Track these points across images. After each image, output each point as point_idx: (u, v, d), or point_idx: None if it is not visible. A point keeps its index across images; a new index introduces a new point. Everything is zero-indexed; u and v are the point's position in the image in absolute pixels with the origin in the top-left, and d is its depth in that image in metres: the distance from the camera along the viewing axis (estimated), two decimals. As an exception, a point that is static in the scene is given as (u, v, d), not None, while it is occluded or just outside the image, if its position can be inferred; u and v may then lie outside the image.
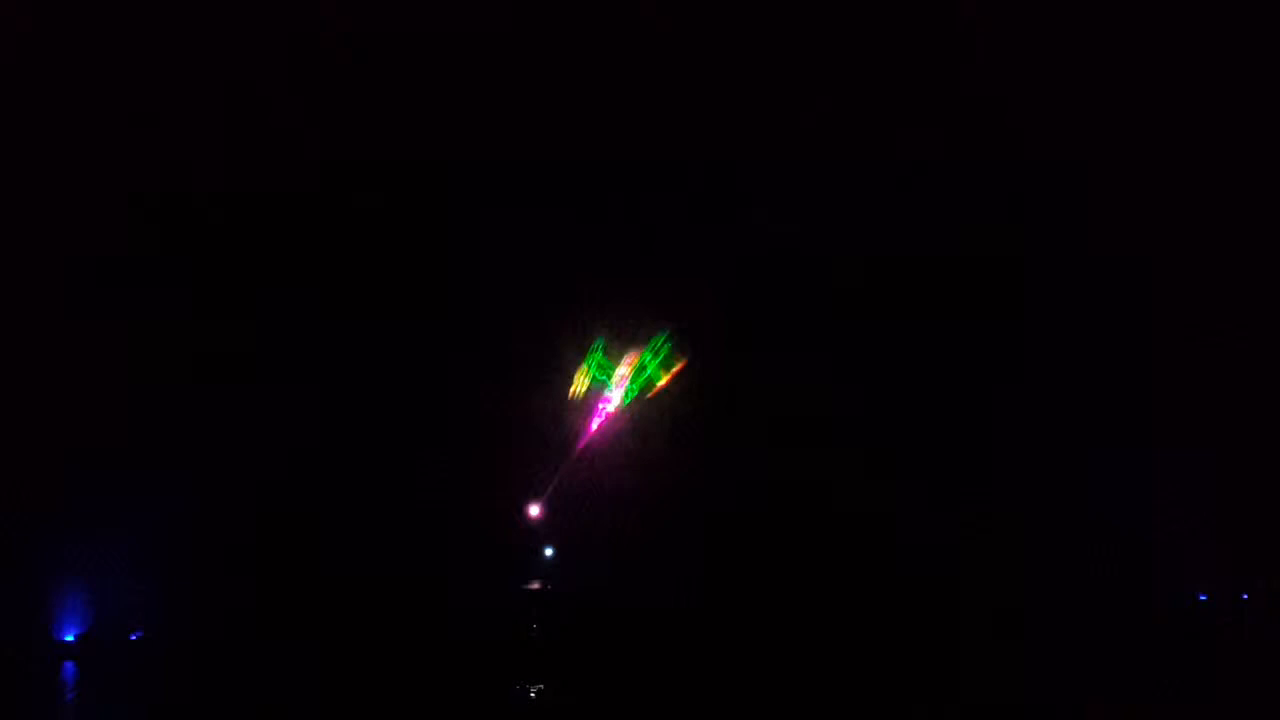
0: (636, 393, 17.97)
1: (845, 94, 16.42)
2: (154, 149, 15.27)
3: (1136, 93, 16.01)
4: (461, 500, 16.82)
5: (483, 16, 15.58)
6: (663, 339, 17.95)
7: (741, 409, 17.50)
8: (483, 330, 17.09)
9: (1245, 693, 12.78)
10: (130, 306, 15.55)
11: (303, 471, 16.18)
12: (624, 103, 16.32)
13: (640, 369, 17.90)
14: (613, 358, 17.95)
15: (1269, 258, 16.40)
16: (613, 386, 17.95)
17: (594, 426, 17.87)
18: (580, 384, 17.91)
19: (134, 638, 15.58)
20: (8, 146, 14.61)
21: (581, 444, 17.77)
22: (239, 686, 14.14)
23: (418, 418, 16.84)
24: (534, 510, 17.62)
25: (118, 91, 14.93)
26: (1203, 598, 17.21)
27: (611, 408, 17.96)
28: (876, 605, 16.38)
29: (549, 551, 17.63)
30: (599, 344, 17.90)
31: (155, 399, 15.71)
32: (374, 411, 16.65)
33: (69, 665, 15.11)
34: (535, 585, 17.44)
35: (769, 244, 17.14)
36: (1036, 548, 16.91)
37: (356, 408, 16.53)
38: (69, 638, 15.35)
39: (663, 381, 17.94)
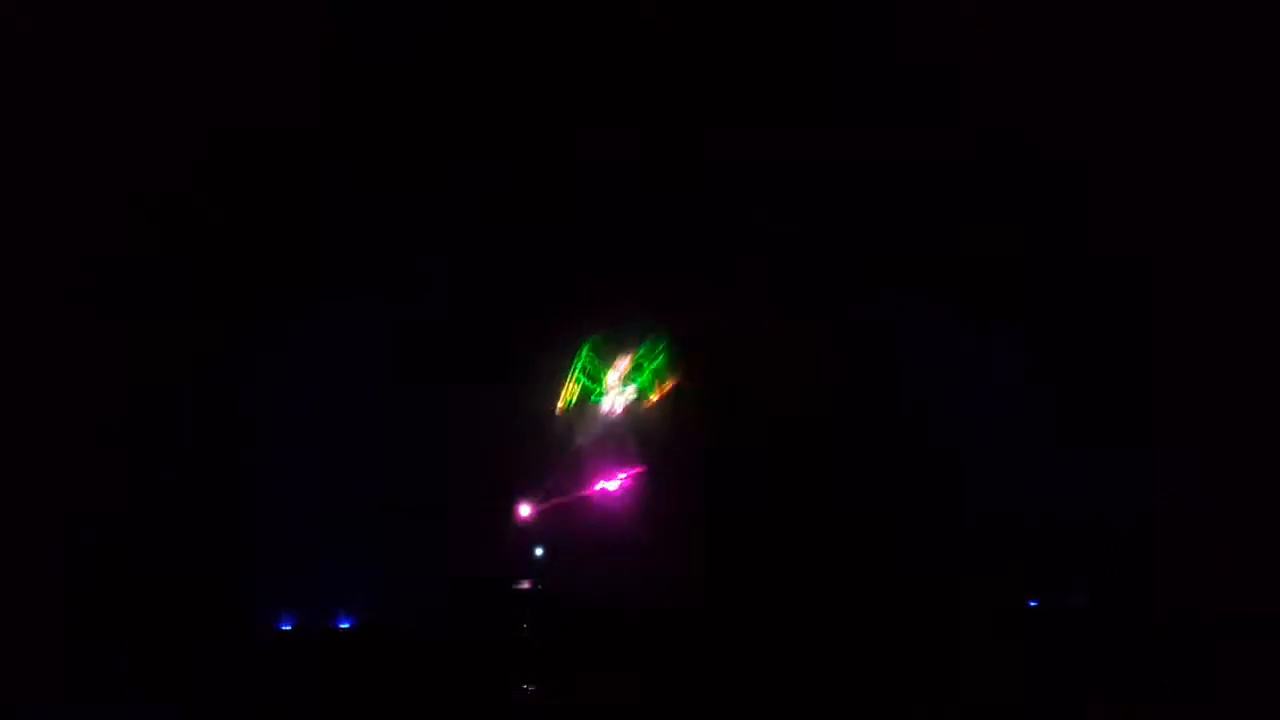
0: (636, 393, 17.96)
1: (845, 93, 16.44)
2: (154, 149, 15.27)
3: (1136, 93, 16.01)
4: (459, 500, 16.82)
5: (480, 15, 15.61)
6: (662, 339, 17.95)
7: (741, 409, 17.49)
8: (483, 330, 17.10)
9: (1245, 693, 12.75)
10: (130, 306, 15.56)
11: (301, 471, 16.21)
12: (624, 102, 16.37)
13: (639, 368, 17.90)
14: (611, 358, 17.95)
15: (1269, 258, 16.36)
16: (611, 387, 17.94)
17: (592, 426, 17.86)
18: (579, 384, 17.90)
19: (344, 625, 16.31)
20: (7, 146, 14.62)
21: (579, 444, 17.76)
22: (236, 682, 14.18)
23: (417, 417, 16.85)
24: (526, 509, 17.57)
25: (118, 91, 14.94)
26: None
27: (611, 407, 17.95)
28: (876, 605, 16.37)
29: (539, 551, 17.56)
30: (599, 343, 17.90)
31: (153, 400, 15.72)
32: (373, 411, 16.67)
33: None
34: (525, 585, 17.33)
35: (769, 244, 17.15)
36: (1036, 548, 16.90)
37: (355, 407, 16.55)
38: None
39: (662, 382, 17.92)
